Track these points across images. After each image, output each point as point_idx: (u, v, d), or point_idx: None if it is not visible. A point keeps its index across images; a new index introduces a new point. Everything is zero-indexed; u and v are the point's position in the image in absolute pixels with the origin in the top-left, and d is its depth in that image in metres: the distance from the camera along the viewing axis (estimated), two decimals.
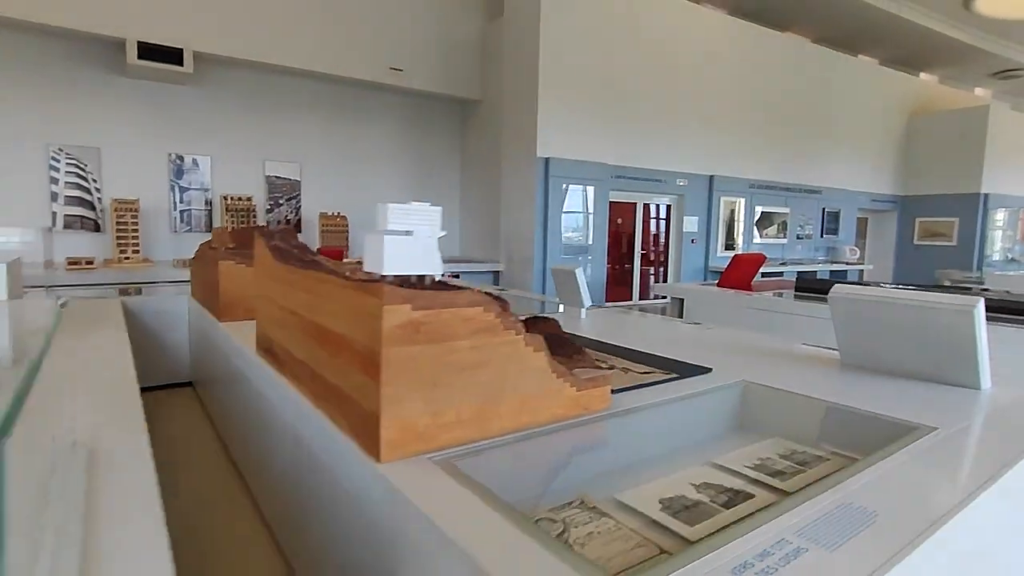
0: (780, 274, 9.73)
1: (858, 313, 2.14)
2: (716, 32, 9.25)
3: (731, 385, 1.86)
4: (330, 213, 7.82)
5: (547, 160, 7.44)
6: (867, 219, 12.93)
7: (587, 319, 3.01)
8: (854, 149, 11.59)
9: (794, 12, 10.75)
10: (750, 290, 5.63)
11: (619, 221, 8.82)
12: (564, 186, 7.60)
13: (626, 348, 2.30)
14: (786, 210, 10.38)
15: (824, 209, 11.02)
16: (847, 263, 11.04)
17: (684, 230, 9.09)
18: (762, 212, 10.06)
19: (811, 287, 5.23)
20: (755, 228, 9.99)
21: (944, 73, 14.53)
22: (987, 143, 11.56)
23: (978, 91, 15.48)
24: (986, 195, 11.59)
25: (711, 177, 9.24)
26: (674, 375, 1.88)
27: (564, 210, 7.70)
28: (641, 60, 8.30)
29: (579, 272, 3.21)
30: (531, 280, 7.57)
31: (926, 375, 2.01)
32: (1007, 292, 5.34)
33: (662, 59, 8.53)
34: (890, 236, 12.79)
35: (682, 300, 5.41)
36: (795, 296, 5.18)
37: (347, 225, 7.85)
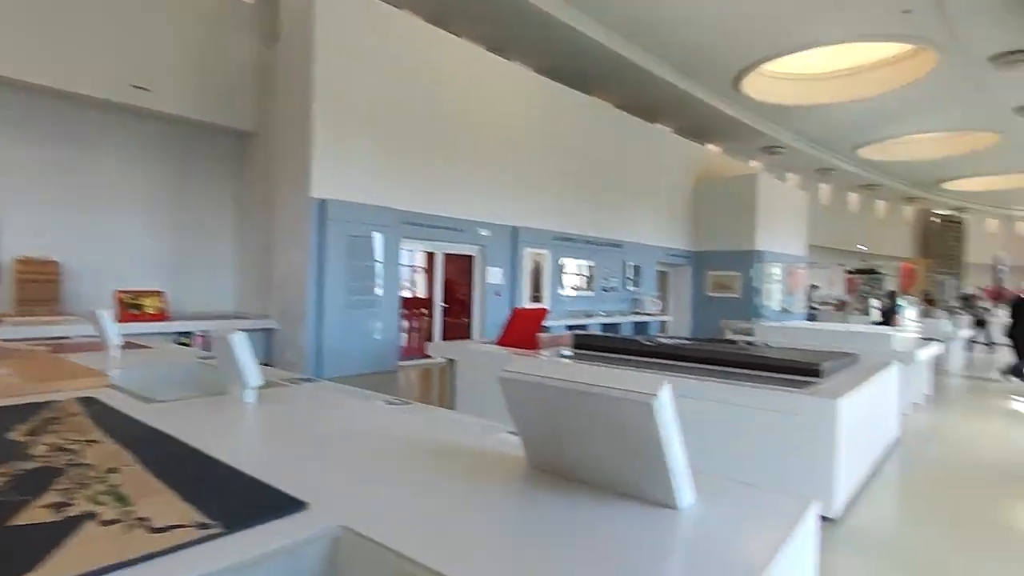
0: (585, 326, 9.70)
1: (534, 401, 1.52)
2: (523, 87, 9.26)
3: (313, 539, 1.09)
4: (36, 258, 6.10)
5: (323, 202, 6.56)
6: (667, 272, 13.79)
7: (237, 407, 2.12)
8: (651, 207, 12.34)
9: (598, 78, 11.31)
10: (535, 346, 5.16)
11: (416, 272, 8.17)
12: (345, 233, 6.74)
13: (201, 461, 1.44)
14: (591, 263, 10.53)
15: (625, 262, 11.43)
16: (650, 314, 11.48)
17: (488, 281, 8.67)
18: (567, 264, 10.08)
19: (589, 344, 4.89)
20: (561, 280, 9.94)
21: (726, 145, 16.42)
22: (757, 206, 12.98)
23: (752, 163, 17.74)
24: (760, 251, 12.93)
25: (515, 228, 9.02)
26: (215, 530, 1.05)
27: (351, 259, 6.82)
28: (438, 104, 7.90)
29: (237, 338, 2.29)
30: (306, 339, 6.50)
31: (623, 487, 1.43)
32: (766, 344, 5.47)
33: (463, 106, 8.23)
34: (687, 288, 13.73)
35: (454, 361, 4.77)
36: (575, 356, 4.79)
37: (58, 273, 6.18)
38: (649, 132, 12.59)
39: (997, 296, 19.72)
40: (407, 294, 8.17)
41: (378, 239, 7.10)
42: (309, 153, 6.45)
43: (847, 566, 2.71)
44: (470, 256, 8.69)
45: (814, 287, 17.61)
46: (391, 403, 2.39)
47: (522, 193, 9.17)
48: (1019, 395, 7.43)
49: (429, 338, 8.28)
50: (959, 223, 27.06)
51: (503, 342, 5.07)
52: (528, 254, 9.29)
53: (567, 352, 4.85)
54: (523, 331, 5.12)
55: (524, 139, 9.18)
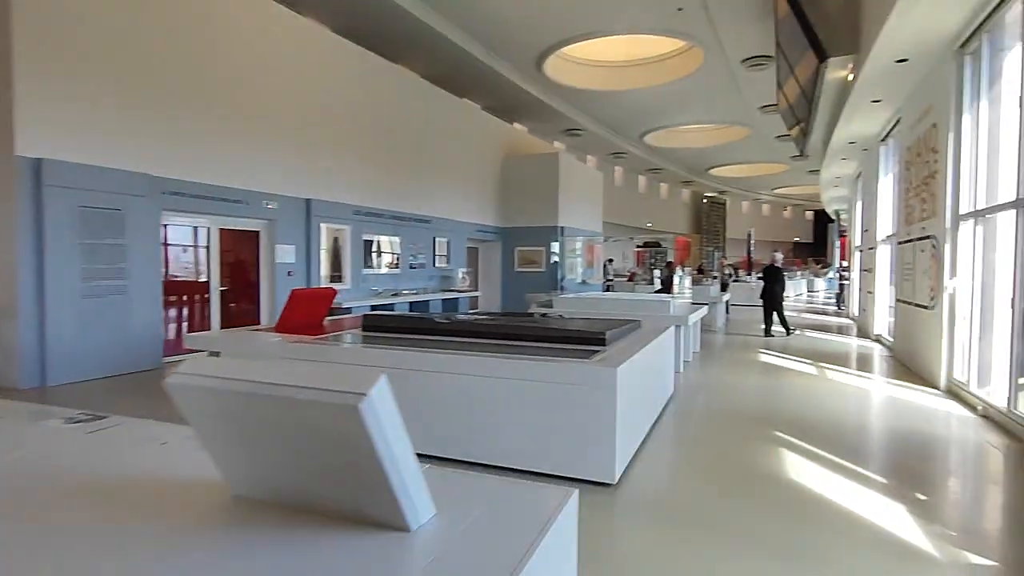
0: (392, 306, 9.28)
1: (217, 411, 1.11)
2: (317, 46, 8.36)
3: None
4: None
5: (38, 162, 5.18)
6: (477, 248, 13.88)
7: None
8: (460, 183, 12.23)
9: (404, 46, 10.72)
10: (321, 331, 4.62)
11: (187, 252, 6.99)
12: (75, 204, 5.42)
13: None
14: (398, 239, 10.09)
15: (435, 238, 11.20)
16: (459, 291, 11.43)
17: (279, 260, 7.79)
18: (373, 241, 9.52)
19: (379, 325, 4.51)
20: (366, 258, 9.36)
21: (532, 125, 16.94)
22: (560, 185, 13.61)
23: (556, 144, 18.62)
24: (562, 227, 13.61)
25: (308, 201, 8.20)
26: None
27: (85, 237, 5.52)
28: (210, 55, 6.73)
29: None
30: (19, 338, 5.13)
31: (344, 512, 1.10)
32: (561, 316, 5.59)
33: (245, 61, 7.13)
34: (497, 264, 13.99)
35: (219, 354, 4.06)
36: (363, 339, 4.37)
37: None
38: (458, 107, 12.40)
39: (748, 266, 23.39)
40: (182, 278, 6.96)
41: (129, 212, 5.86)
42: (10, 95, 5.02)
43: (627, 530, 2.75)
44: (256, 232, 7.70)
45: (610, 260, 19.20)
46: (73, 421, 1.78)
47: (317, 163, 8.36)
48: (767, 349, 8.74)
49: (208, 327, 7.19)
50: (722, 204, 31.67)
51: (280, 328, 4.45)
52: (326, 230, 8.54)
53: (353, 336, 4.41)
54: (305, 315, 4.55)
55: (320, 104, 8.35)
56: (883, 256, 9.62)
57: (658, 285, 13.23)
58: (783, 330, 10.22)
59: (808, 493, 3.14)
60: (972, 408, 4.98)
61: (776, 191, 31.01)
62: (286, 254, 7.90)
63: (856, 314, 12.82)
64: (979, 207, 5.35)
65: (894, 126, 8.50)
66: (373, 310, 8.69)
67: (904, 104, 7.42)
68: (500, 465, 3.30)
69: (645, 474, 3.36)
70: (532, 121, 16.66)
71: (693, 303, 8.56)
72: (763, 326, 10.31)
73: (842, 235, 21.91)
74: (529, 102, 14.57)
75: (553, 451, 3.18)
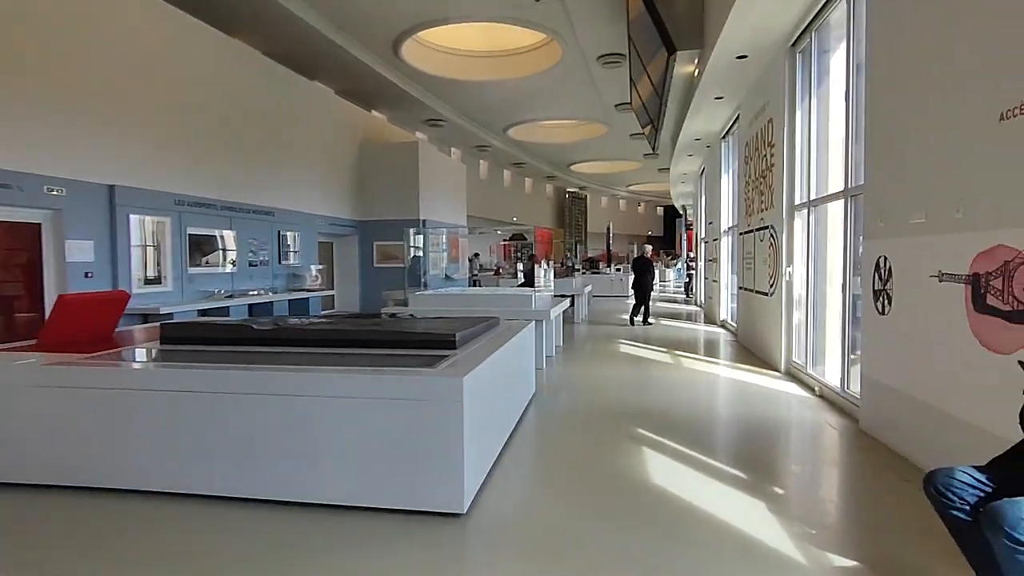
0: (227, 310, 8.12)
1: None
2: (125, 4, 6.94)
3: None
4: None
5: None
6: (332, 243, 12.83)
7: None
8: (311, 172, 11.14)
9: (239, 17, 9.41)
10: (109, 345, 3.66)
11: None
12: None
13: None
14: (232, 232, 8.87)
15: (280, 232, 10.07)
16: (310, 290, 10.40)
17: (70, 259, 6.37)
18: (200, 235, 8.24)
19: (182, 335, 3.66)
20: (192, 255, 8.08)
21: (392, 114, 16.07)
22: (420, 176, 12.98)
23: (418, 134, 17.90)
24: (423, 220, 13.00)
25: (111, 188, 6.82)
26: None
27: None
28: None
29: None
30: None
31: None
32: (411, 316, 5.06)
33: (16, 8, 5.67)
34: (354, 260, 13.04)
35: None
36: (158, 354, 3.50)
37: None
38: (308, 89, 11.27)
39: (607, 258, 24.41)
40: None
41: None
42: None
43: (480, 568, 2.31)
44: (36, 225, 6.22)
45: (476, 255, 18.94)
46: None
47: (128, 144, 6.98)
48: (628, 339, 8.87)
49: None
50: (583, 199, 32.90)
51: (44, 343, 3.44)
52: (138, 222, 7.19)
53: (146, 351, 3.53)
54: (80, 326, 3.57)
55: (129, 73, 6.96)
56: (726, 247, 10.25)
57: (522, 279, 13.16)
58: (641, 319, 10.60)
59: (675, 501, 2.92)
60: (810, 389, 5.25)
61: (631, 188, 32.84)
62: (81, 252, 6.49)
63: (703, 302, 13.71)
64: (812, 197, 5.67)
65: (734, 123, 9.02)
66: (202, 315, 7.51)
67: (743, 100, 7.82)
68: (328, 503, 2.71)
69: (500, 497, 2.95)
70: (392, 109, 15.81)
71: (556, 296, 8.44)
72: (628, 316, 10.69)
73: (688, 228, 23.62)
74: (387, 88, 13.73)
75: (391, 481, 2.65)
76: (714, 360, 7.07)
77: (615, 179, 29.67)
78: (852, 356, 4.53)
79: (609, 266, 21.89)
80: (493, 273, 17.83)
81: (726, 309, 10.27)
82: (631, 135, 19.20)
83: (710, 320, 11.24)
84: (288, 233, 10.31)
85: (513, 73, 13.62)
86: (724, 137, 9.97)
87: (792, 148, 5.87)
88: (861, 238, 4.19)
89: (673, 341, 8.67)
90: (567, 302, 7.71)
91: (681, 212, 24.49)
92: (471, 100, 15.62)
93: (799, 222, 5.84)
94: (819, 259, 5.41)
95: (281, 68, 10.38)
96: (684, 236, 25.65)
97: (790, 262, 5.92)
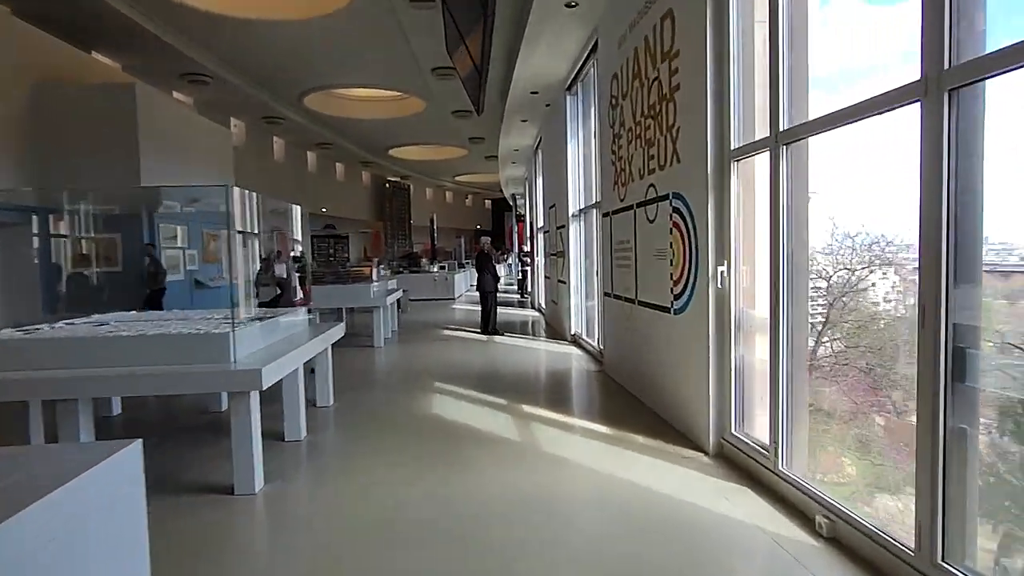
0: None
1: None
2: None
3: None
4: None
5: None
6: None
7: None
8: None
9: None
10: None
11: None
12: None
13: None
14: None
15: None
16: None
17: None
18: None
19: None
20: None
21: (129, 61, 11.16)
22: (141, 137, 8.65)
23: (178, 96, 13.07)
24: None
25: None
26: None
27: None
28: None
29: None
30: None
31: None
32: None
33: None
34: (28, 260, 8.30)
35: None
36: None
37: None
38: None
39: (431, 253, 21.41)
40: None
41: None
42: None
43: None
44: None
45: (274, 255, 14.60)
46: None
47: None
48: (441, 378, 5.83)
49: None
50: (406, 189, 29.48)
51: None
52: None
53: None
54: None
55: None
56: (578, 236, 7.71)
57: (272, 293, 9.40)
58: (491, 328, 8.79)
59: None
60: (808, 522, 2.63)
61: (457, 178, 30.21)
62: None
63: (544, 306, 11.25)
64: (743, 143, 3.11)
65: (588, 58, 6.41)
66: None
67: (610, 5, 5.15)
68: None
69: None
70: (125, 53, 10.91)
71: (390, 289, 5.09)
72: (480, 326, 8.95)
73: (520, 221, 21.52)
74: (113, 19, 9.08)
75: None
76: (586, 427, 4.27)
77: (441, 168, 26.70)
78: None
79: (433, 263, 18.82)
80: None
81: (579, 320, 7.73)
82: (453, 112, 16.18)
83: (557, 333, 8.66)
84: None
85: (292, 12, 9.79)
86: (571, 87, 7.39)
87: (720, 47, 3.25)
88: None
89: (511, 379, 5.83)
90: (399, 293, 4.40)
91: (511, 203, 22.31)
92: (241, 47, 11.36)
93: (737, 182, 3.25)
94: (794, 251, 2.81)
95: None
96: (515, 230, 23.57)
97: (723, 256, 3.31)
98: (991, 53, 1.68)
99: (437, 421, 4.28)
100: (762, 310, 3.17)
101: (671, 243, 3.86)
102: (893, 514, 2.38)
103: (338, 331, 4.64)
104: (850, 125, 2.29)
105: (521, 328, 9.71)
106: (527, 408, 4.53)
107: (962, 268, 1.85)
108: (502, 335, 8.64)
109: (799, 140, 2.65)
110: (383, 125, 17.78)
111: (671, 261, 3.87)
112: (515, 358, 6.98)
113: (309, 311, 6.55)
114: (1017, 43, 1.59)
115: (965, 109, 1.82)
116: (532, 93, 7.96)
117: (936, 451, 1.88)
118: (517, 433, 3.97)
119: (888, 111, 2.09)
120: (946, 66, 1.82)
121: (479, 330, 8.88)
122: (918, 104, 1.91)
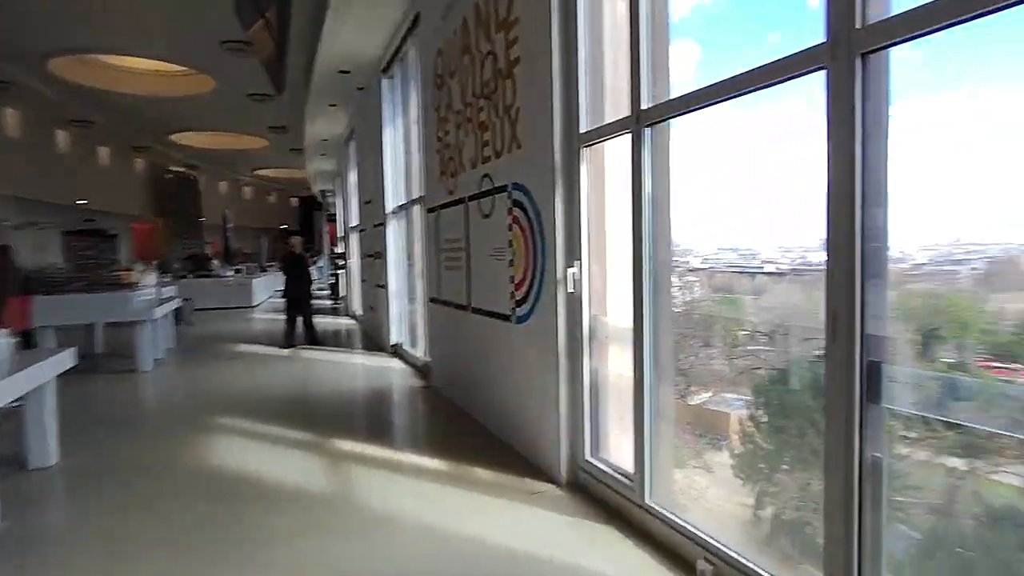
0: None
1: None
2: None
3: None
4: None
5: None
6: None
7: None
8: None
9: None
10: None
11: None
12: None
13: None
14: None
15: None
16: None
17: None
18: None
19: None
20: None
21: None
22: None
23: None
24: None
25: None
26: None
27: None
28: None
29: None
30: None
31: None
32: None
33: None
34: None
35: None
36: None
37: None
38: None
39: (224, 254, 18.90)
40: None
41: None
42: None
43: None
44: None
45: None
46: None
47: None
48: (225, 411, 4.68)
49: None
50: (193, 182, 25.67)
51: None
52: None
53: None
54: None
55: None
56: (396, 235, 6.95)
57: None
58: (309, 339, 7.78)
59: None
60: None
61: (257, 172, 27.14)
62: None
63: (360, 313, 10.23)
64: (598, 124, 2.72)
65: (406, 37, 5.72)
66: None
67: None
68: None
69: None
70: None
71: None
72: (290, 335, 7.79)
73: (330, 221, 19.97)
74: None
75: None
76: (416, 464, 3.58)
77: (237, 159, 23.60)
78: None
79: (227, 266, 16.42)
80: None
81: (401, 329, 6.97)
82: (250, 95, 14.17)
83: (376, 343, 7.78)
84: None
85: None
86: (388, 69, 6.62)
87: (568, 12, 2.81)
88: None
89: (320, 406, 4.91)
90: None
91: (321, 200, 20.61)
92: None
93: (588, 169, 2.84)
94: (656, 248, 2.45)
95: None
96: (325, 230, 21.87)
97: (574, 256, 2.87)
98: (916, 8, 1.38)
99: (217, 476, 3.24)
100: (616, 316, 2.80)
101: (511, 241, 3.35)
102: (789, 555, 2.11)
103: (64, 360, 3.33)
104: (735, 99, 1.95)
105: (334, 339, 8.63)
106: (341, 444, 3.69)
107: (869, 268, 1.56)
108: (314, 347, 7.55)
109: (664, 120, 2.28)
110: (161, 104, 14.98)
111: (511, 262, 3.36)
112: (326, 377, 6.00)
113: (26, 333, 4.85)
114: None
115: (875, 80, 1.53)
116: (342, 72, 7.00)
117: (851, 489, 1.57)
118: (327, 483, 3.13)
119: (782, 82, 1.76)
120: (857, 24, 1.51)
121: (282, 344, 7.65)
122: (824, 72, 1.59)
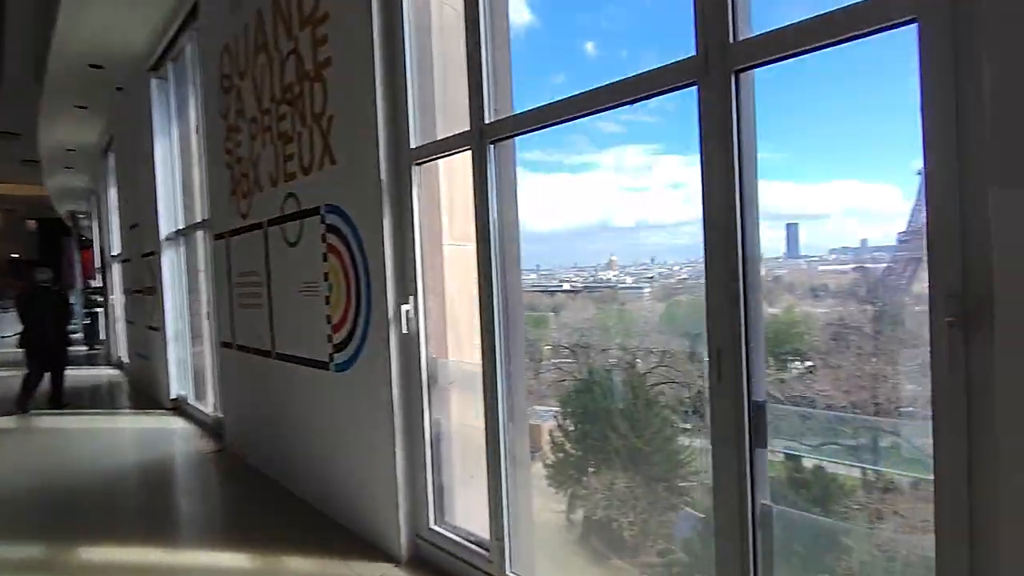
0: None
1: None
2: None
3: None
4: None
5: None
6: None
7: None
8: None
9: None
10: None
11: None
12: None
13: None
14: None
15: None
16: None
17: None
18: None
19: None
20: None
21: None
22: None
23: None
24: None
25: None
26: None
27: None
28: None
29: None
30: None
31: None
32: None
33: None
34: None
35: None
36: None
37: None
38: None
39: None
40: None
41: None
42: None
43: None
44: None
45: None
46: None
47: None
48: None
49: None
50: None
51: None
52: None
53: None
54: None
55: None
56: (172, 267, 5.77)
57: None
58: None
59: None
60: None
61: None
62: None
63: (127, 361, 8.41)
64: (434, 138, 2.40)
65: (181, 30, 4.78)
66: None
67: None
68: None
69: None
70: None
71: None
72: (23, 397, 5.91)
73: (85, 248, 16.60)
74: None
75: None
76: (212, 564, 2.80)
77: None
78: None
79: None
80: None
81: (182, 380, 5.75)
82: None
83: (149, 399, 6.35)
84: None
85: None
86: (158, 67, 5.51)
87: (392, 9, 2.43)
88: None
89: (71, 496, 3.74)
90: None
91: (71, 224, 17.05)
92: None
93: (419, 192, 2.46)
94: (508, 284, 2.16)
95: None
96: (77, 259, 18.20)
97: (407, 291, 2.45)
98: (801, 22, 1.30)
99: None
100: (460, 357, 2.46)
101: (326, 274, 2.82)
102: None
103: None
104: (595, 115, 1.76)
105: (92, 397, 6.90)
106: (100, 554, 2.74)
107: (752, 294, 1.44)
108: (61, 411, 5.91)
109: (513, 136, 2.02)
110: None
111: (327, 299, 2.83)
112: (80, 452, 4.65)
113: None
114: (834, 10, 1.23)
115: (746, 97, 1.43)
116: (94, 67, 5.68)
117: (744, 545, 1.41)
118: None
119: (648, 98, 1.60)
120: (731, 39, 1.39)
121: (12, 409, 5.86)
122: (695, 88, 1.45)
